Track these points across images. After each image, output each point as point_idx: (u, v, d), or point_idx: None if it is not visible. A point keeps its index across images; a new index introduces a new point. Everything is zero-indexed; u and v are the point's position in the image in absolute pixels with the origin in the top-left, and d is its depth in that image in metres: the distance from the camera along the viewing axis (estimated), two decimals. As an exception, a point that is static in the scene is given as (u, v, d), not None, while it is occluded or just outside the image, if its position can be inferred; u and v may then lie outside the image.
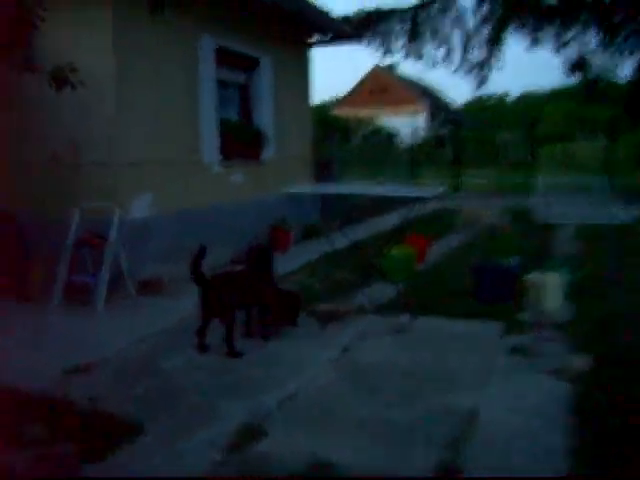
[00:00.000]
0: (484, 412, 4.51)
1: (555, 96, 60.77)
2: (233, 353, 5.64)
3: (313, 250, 10.30)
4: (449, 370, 5.26)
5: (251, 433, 4.27)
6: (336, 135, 21.24)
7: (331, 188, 6.31)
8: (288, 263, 9.57)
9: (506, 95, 76.40)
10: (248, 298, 5.98)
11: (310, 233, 11.94)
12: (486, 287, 7.20)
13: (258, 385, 5.05)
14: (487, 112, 65.69)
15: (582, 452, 3.93)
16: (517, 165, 25.29)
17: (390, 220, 14.92)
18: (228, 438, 4.22)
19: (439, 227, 12.76)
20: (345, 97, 49.11)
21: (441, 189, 6.11)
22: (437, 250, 10.55)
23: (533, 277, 6.96)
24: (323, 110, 43.03)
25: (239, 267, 6.16)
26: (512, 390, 4.87)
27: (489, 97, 72.94)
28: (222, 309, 5.66)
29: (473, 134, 32.85)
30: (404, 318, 6.62)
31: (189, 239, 8.87)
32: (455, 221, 14.16)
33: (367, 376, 5.19)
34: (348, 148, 24.63)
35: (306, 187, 6.30)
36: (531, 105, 65.43)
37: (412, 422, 4.37)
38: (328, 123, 24.90)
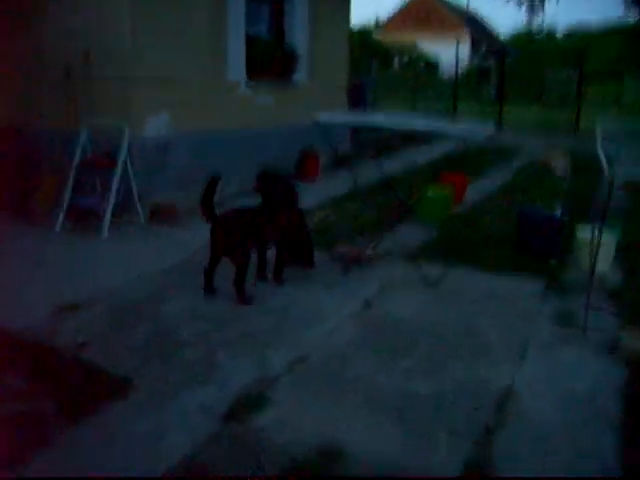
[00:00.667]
0: (520, 393, 3.88)
1: (606, 33, 57.91)
2: (242, 299, 5.06)
3: (342, 181, 9.52)
4: (482, 336, 4.62)
5: (253, 400, 3.72)
6: (375, 61, 20.24)
7: (366, 119, 5.54)
8: (315, 195, 8.91)
9: (554, 29, 73.26)
10: (263, 236, 5.37)
11: (341, 162, 11.21)
12: (529, 237, 6.49)
13: (267, 340, 4.47)
14: (534, 46, 62.97)
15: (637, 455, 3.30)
16: (563, 103, 23.99)
17: (427, 153, 14.19)
18: (226, 404, 3.67)
19: (480, 164, 11.93)
20: (387, 21, 47.30)
21: (490, 128, 5.30)
22: (476, 190, 9.77)
23: (583, 232, 6.21)
24: (364, 34, 41.49)
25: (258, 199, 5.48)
26: (553, 368, 4.21)
27: (537, 31, 69.95)
28: (232, 248, 5.05)
29: (518, 68, 31.34)
30: (436, 268, 5.96)
31: (209, 164, 8.26)
32: (498, 158, 13.31)
33: (389, 337, 4.56)
34: (387, 75, 23.50)
35: (338, 116, 5.57)
36: (580, 40, 62.58)
37: (436, 398, 3.77)
38: (368, 47, 23.76)
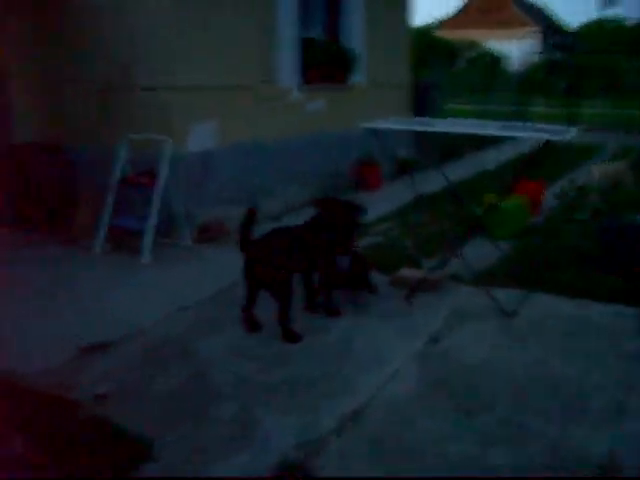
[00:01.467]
0: (623, 462, 3.12)
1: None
2: (289, 336, 4.42)
3: (404, 191, 8.84)
4: (574, 386, 3.85)
5: (293, 471, 3.06)
6: (439, 59, 19.41)
7: (427, 124, 4.83)
8: (374, 208, 8.20)
9: (624, 19, 70.37)
10: (309, 263, 4.71)
11: (403, 169, 10.52)
12: (617, 253, 5.65)
13: (314, 389, 3.81)
14: (604, 37, 60.50)
15: None
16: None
17: (497, 155, 13.30)
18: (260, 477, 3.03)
19: (555, 165, 11.00)
20: (451, 17, 46.12)
21: (573, 131, 4.53)
22: (552, 197, 8.90)
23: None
24: (426, 32, 40.50)
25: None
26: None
27: (607, 20, 67.35)
28: (273, 280, 4.39)
29: (589, 60, 29.90)
30: (512, 294, 5.20)
31: (258, 176, 7.71)
32: (575, 158, 12.35)
33: (459, 388, 3.83)
34: (452, 73, 22.63)
35: (393, 122, 4.88)
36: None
37: (520, 471, 3.04)
38: (431, 46, 22.91)
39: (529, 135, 4.62)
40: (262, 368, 4.05)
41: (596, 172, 8.56)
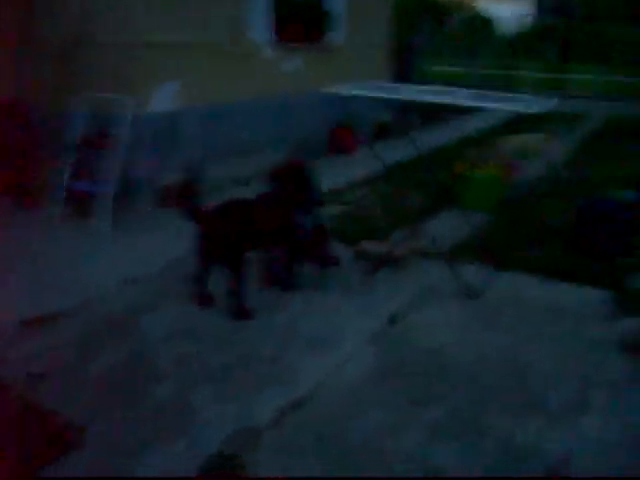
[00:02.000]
0: (580, 463, 2.93)
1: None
2: (240, 313, 4.18)
3: (382, 155, 8.59)
4: (535, 376, 3.64)
5: (223, 465, 2.86)
6: (428, 19, 18.95)
7: (396, 91, 4.54)
8: (346, 173, 7.97)
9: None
10: (267, 237, 4.42)
11: (382, 133, 10.24)
12: (591, 234, 5.42)
13: (260, 372, 3.58)
14: (601, 1, 59.43)
15: None
16: (634, 64, 22.22)
17: (480, 121, 13.00)
18: (191, 470, 2.82)
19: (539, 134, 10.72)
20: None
21: (552, 101, 4.26)
22: (534, 166, 8.65)
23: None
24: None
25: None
26: (623, 423, 3.23)
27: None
28: (225, 254, 4.13)
29: (584, 26, 29.39)
30: (480, 272, 4.99)
31: (228, 139, 7.40)
32: (560, 126, 12.06)
33: (415, 375, 3.61)
34: (441, 34, 22.19)
35: (358, 87, 4.56)
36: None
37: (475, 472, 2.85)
38: (421, 4, 22.34)
39: (499, 106, 4.33)
40: (205, 349, 3.82)
41: (512, 143, 8.02)
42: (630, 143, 10.64)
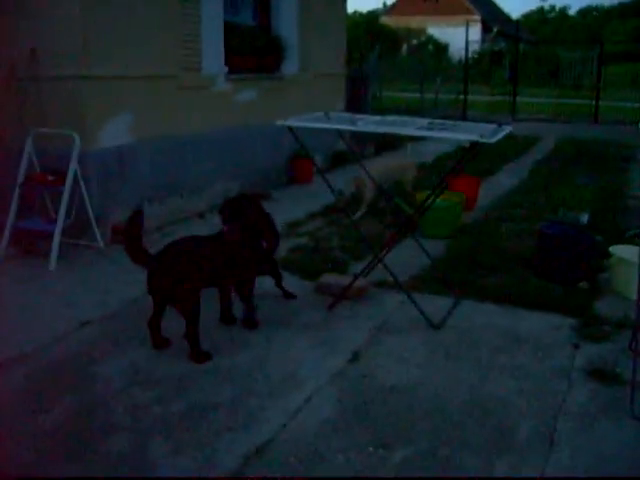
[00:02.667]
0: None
1: (619, 12, 56.21)
2: (196, 356, 4.02)
3: (337, 185, 8.52)
4: (501, 410, 3.55)
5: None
6: (381, 47, 19.12)
7: (350, 121, 4.49)
8: (306, 203, 7.89)
9: (567, 9, 71.32)
10: (221, 274, 4.27)
11: (338, 161, 10.22)
12: (552, 258, 5.40)
13: (217, 421, 3.42)
14: (547, 27, 60.98)
15: None
16: (579, 86, 22.71)
17: (434, 147, 13.06)
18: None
19: (492, 158, 10.80)
20: (396, 4, 45.88)
21: (507, 129, 4.25)
22: (489, 191, 8.68)
23: (621, 251, 5.16)
24: (371, 19, 40.13)
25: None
26: (594, 455, 3.16)
27: (549, 9, 68.03)
28: (177, 295, 3.94)
29: (531, 50, 30.07)
30: (441, 301, 4.92)
31: (181, 172, 7.27)
32: (513, 151, 12.18)
33: (379, 416, 3.49)
34: (395, 61, 22.43)
35: (310, 119, 4.52)
36: (594, 20, 60.79)
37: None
38: (375, 33, 22.58)
39: (452, 136, 4.32)
40: (162, 396, 3.64)
41: (376, 168, 7.19)
42: (579, 166, 10.78)
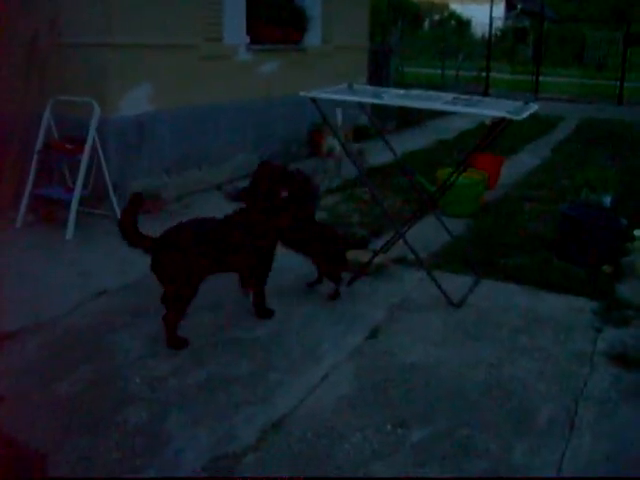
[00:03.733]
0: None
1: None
2: (172, 341, 3.83)
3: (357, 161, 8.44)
4: (520, 391, 3.50)
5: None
6: (403, 21, 18.89)
7: (375, 94, 4.41)
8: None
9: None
10: (228, 261, 3.99)
11: (359, 137, 10.10)
12: (574, 240, 5.31)
13: (234, 395, 3.39)
14: (571, 4, 59.81)
15: None
16: (603, 67, 22.37)
17: (458, 122, 12.92)
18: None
19: (515, 137, 10.65)
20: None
21: (533, 106, 4.15)
22: (512, 170, 8.56)
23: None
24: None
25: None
26: (615, 441, 3.10)
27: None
28: (174, 283, 3.78)
29: (556, 28, 29.60)
30: (461, 280, 4.86)
31: (201, 143, 7.21)
32: (535, 130, 12.00)
33: (396, 395, 3.45)
34: (416, 36, 22.13)
35: (334, 91, 4.41)
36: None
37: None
38: (396, 7, 22.25)
39: (479, 112, 4.23)
40: (179, 367, 3.62)
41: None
42: (602, 147, 10.61)
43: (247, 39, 7.75)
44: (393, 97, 4.39)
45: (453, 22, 31.08)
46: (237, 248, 3.96)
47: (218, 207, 6.05)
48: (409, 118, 12.37)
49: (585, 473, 2.89)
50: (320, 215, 6.29)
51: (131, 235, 3.72)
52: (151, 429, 3.10)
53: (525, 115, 4.00)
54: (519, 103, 4.36)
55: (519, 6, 37.52)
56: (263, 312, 4.23)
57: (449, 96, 4.49)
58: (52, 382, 3.46)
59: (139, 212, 3.81)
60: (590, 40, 23.07)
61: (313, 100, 4.43)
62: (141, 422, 3.15)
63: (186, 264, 3.73)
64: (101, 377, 3.53)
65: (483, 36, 25.24)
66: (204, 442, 3.01)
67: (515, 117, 3.88)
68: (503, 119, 4.01)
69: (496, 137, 4.63)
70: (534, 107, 4.35)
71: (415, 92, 4.67)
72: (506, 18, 35.17)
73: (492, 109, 4.18)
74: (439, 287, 4.52)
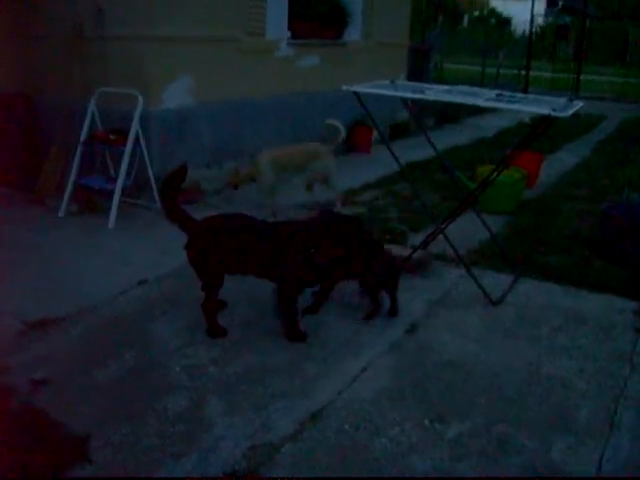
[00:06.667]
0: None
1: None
2: (210, 330, 3.88)
3: (398, 155, 8.42)
4: (559, 390, 3.48)
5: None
6: (442, 18, 18.76)
7: (417, 90, 4.40)
8: (363, 173, 7.83)
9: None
10: (256, 268, 3.84)
11: (397, 133, 10.09)
12: (615, 240, 5.24)
13: (273, 386, 3.42)
14: (614, 0, 58.78)
15: None
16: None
17: (497, 121, 12.82)
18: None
19: (555, 136, 10.51)
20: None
21: (578, 104, 4.11)
22: (551, 168, 8.47)
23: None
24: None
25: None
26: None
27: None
28: (204, 272, 3.82)
29: (598, 26, 29.11)
30: (501, 278, 4.83)
31: (239, 137, 7.26)
32: (576, 129, 11.85)
33: (436, 387, 3.46)
34: (456, 32, 22.00)
35: (377, 86, 4.43)
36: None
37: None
38: (435, 3, 22.11)
39: (523, 108, 4.18)
40: (218, 357, 3.67)
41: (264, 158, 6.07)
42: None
43: (288, 34, 7.78)
44: (437, 93, 4.37)
45: (493, 20, 30.81)
46: (262, 257, 3.78)
47: (258, 202, 6.11)
48: (447, 115, 12.30)
49: (624, 473, 2.86)
50: (358, 210, 6.32)
51: (171, 207, 3.78)
52: (190, 417, 3.15)
53: (570, 112, 3.95)
54: (563, 100, 4.31)
55: (560, 3, 36.95)
56: (292, 333, 3.87)
57: (493, 93, 4.46)
58: (94, 368, 3.52)
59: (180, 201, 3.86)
60: (633, 38, 22.64)
61: (356, 95, 4.43)
62: (181, 409, 3.20)
63: (212, 254, 3.73)
64: (141, 364, 3.59)
65: (524, 33, 24.97)
66: (242, 431, 3.04)
67: (560, 114, 3.84)
68: (547, 116, 3.96)
69: (539, 135, 4.58)
70: (579, 104, 4.29)
71: (459, 88, 4.64)
72: (547, 15, 34.68)
73: (536, 106, 4.14)
74: (478, 284, 4.50)
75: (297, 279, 3.77)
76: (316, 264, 3.70)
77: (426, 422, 3.14)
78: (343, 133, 6.29)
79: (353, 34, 9.10)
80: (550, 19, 32.68)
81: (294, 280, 3.77)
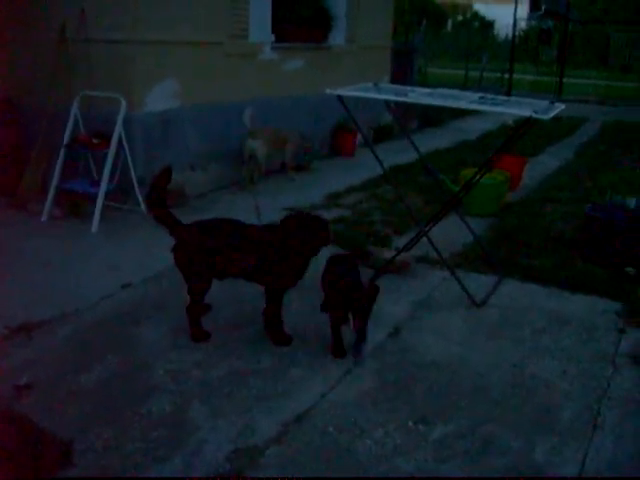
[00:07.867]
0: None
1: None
2: (193, 335, 3.86)
3: (382, 158, 8.44)
4: (542, 390, 3.50)
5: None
6: (426, 22, 18.87)
7: (400, 93, 4.41)
8: (347, 176, 7.85)
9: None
10: (239, 271, 3.83)
11: (381, 136, 10.12)
12: (598, 242, 5.28)
13: (256, 389, 3.42)
14: (597, 5, 59.28)
15: None
16: (628, 69, 22.15)
17: (480, 123, 12.89)
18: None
19: (537, 138, 10.59)
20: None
21: (560, 106, 4.14)
22: (534, 171, 8.53)
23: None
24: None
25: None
26: (638, 441, 3.09)
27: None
28: (191, 276, 3.81)
29: (580, 30, 29.34)
30: (485, 280, 4.85)
31: (225, 140, 7.25)
32: (558, 132, 11.93)
33: (420, 388, 3.47)
34: (440, 36, 22.11)
35: (361, 89, 4.43)
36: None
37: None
38: (419, 8, 22.23)
39: (505, 111, 4.21)
40: (202, 360, 3.66)
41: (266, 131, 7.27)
42: (627, 150, 10.52)
43: (272, 37, 7.78)
44: (419, 96, 4.39)
45: (476, 23, 30.98)
46: (249, 261, 3.77)
47: (243, 206, 6.11)
48: (430, 118, 12.35)
49: (607, 473, 2.88)
50: (342, 213, 6.33)
51: (159, 211, 3.73)
52: (174, 420, 3.14)
53: (552, 115, 3.98)
54: (545, 103, 4.34)
55: (543, 7, 37.21)
56: (278, 337, 3.88)
57: (475, 95, 4.48)
58: (78, 372, 3.51)
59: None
60: (615, 42, 22.84)
61: (339, 98, 4.44)
62: (164, 413, 3.19)
63: (199, 257, 3.72)
64: (126, 368, 3.57)
65: (507, 37, 25.12)
66: (226, 434, 3.03)
67: (542, 116, 3.86)
68: (529, 119, 3.99)
69: (521, 136, 4.62)
70: (561, 107, 4.33)
71: (441, 91, 4.67)
72: (529, 19, 34.92)
73: (519, 108, 4.17)
74: (462, 286, 4.52)
75: (283, 283, 3.80)
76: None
77: (410, 424, 3.15)
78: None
79: (337, 38, 9.12)
80: (533, 23, 32.91)
81: (280, 284, 3.80)
